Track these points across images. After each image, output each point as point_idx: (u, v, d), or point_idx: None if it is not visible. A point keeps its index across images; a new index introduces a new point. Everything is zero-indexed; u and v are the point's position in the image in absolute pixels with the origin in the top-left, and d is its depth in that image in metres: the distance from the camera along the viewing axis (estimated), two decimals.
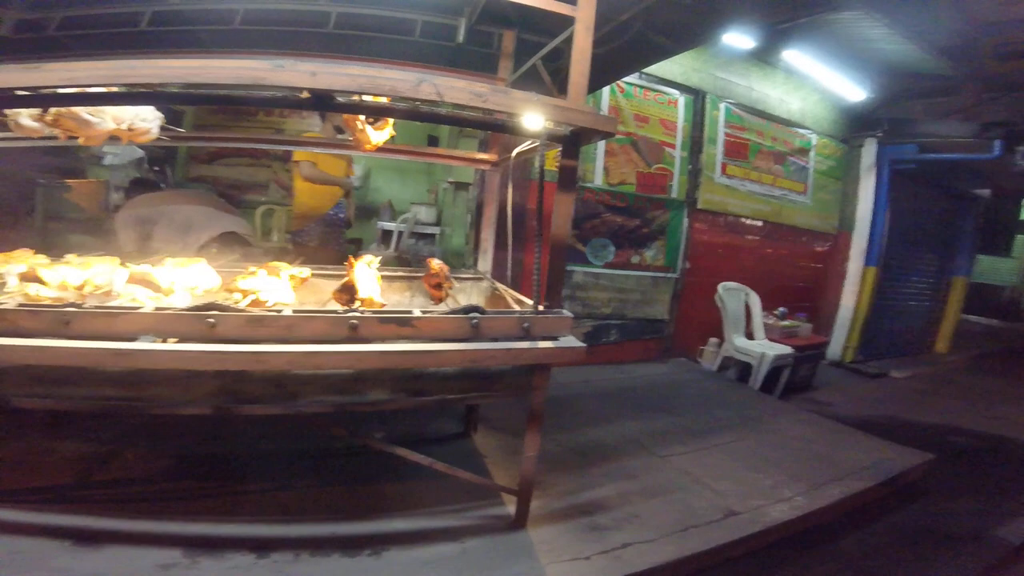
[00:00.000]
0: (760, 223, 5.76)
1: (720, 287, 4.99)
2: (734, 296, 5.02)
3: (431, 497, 2.39)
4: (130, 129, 1.93)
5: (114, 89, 1.65)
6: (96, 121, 1.78)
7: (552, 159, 4.16)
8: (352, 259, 2.17)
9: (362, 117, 2.15)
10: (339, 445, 2.84)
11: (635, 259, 4.95)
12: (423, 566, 1.96)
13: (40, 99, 1.68)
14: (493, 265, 3.06)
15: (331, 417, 2.04)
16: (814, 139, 6.05)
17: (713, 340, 5.20)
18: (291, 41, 3.33)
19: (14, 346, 1.40)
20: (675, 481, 2.77)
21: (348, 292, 2.08)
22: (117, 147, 3.51)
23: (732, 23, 3.24)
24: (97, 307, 1.52)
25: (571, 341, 1.92)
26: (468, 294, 2.85)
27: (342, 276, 2.60)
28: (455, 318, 1.80)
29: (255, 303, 1.83)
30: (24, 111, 1.75)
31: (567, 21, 2.02)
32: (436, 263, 2.45)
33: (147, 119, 2.03)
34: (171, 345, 1.48)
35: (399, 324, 1.73)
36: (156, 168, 4.24)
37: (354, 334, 1.68)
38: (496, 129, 2.18)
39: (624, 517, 2.38)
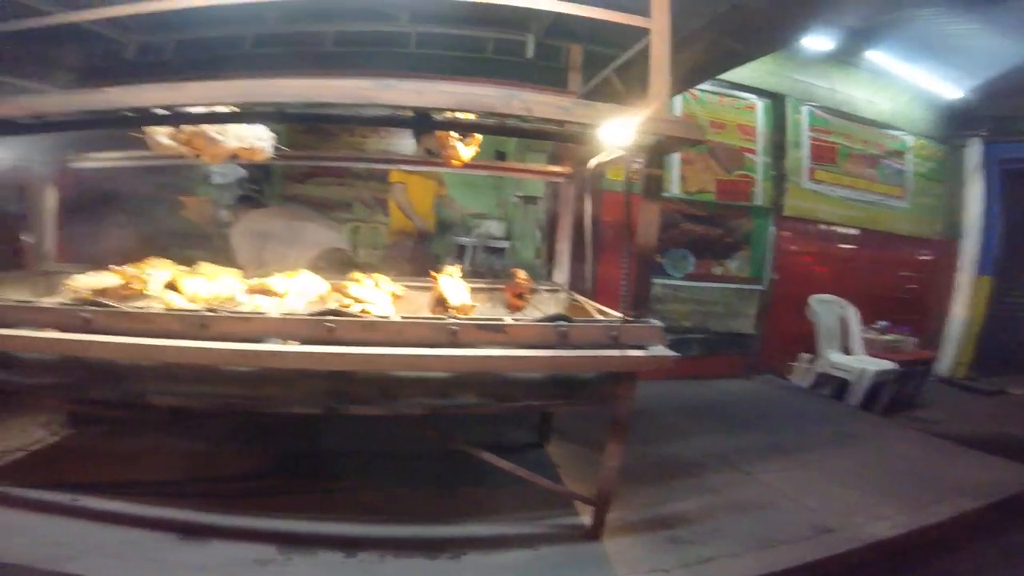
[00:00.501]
0: (854, 230, 5.46)
1: (812, 299, 4.77)
2: (829, 309, 4.79)
3: (507, 504, 2.46)
4: (248, 148, 2.20)
5: (230, 108, 1.88)
6: (222, 139, 2.05)
7: (621, 170, 4.27)
8: (435, 273, 2.32)
9: (454, 133, 2.32)
10: (424, 450, 2.95)
11: (717, 270, 4.85)
12: (499, 571, 2.02)
13: (175, 117, 1.92)
14: (570, 277, 3.12)
15: (425, 420, 2.18)
16: (910, 140, 5.69)
17: (804, 355, 4.95)
18: (372, 61, 3.60)
19: (162, 346, 1.63)
20: (762, 497, 2.69)
21: (441, 304, 2.24)
22: (223, 166, 3.94)
23: (810, 27, 3.18)
24: (230, 312, 1.74)
25: (660, 350, 1.93)
26: (545, 305, 2.93)
27: (427, 287, 2.79)
28: (544, 326, 1.87)
29: (364, 310, 2.02)
30: (162, 129, 2.03)
31: (639, 32, 2.08)
32: (523, 273, 2.56)
33: (262, 138, 2.29)
34: (297, 347, 1.66)
35: (493, 331, 1.83)
36: (255, 187, 4.70)
37: (454, 339, 1.79)
38: (575, 141, 2.27)
39: (706, 531, 2.33)
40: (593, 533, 2.20)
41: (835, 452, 3.32)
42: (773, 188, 5.00)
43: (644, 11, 2.01)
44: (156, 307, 1.85)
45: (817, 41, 4.51)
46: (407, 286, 2.71)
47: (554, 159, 4.19)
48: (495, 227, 5.63)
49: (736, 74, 4.54)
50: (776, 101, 5.01)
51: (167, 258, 2.41)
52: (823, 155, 5.21)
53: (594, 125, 1.87)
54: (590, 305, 2.47)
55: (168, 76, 3.15)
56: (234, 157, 2.23)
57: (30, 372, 1.88)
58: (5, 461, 2.59)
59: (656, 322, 1.97)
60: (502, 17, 3.20)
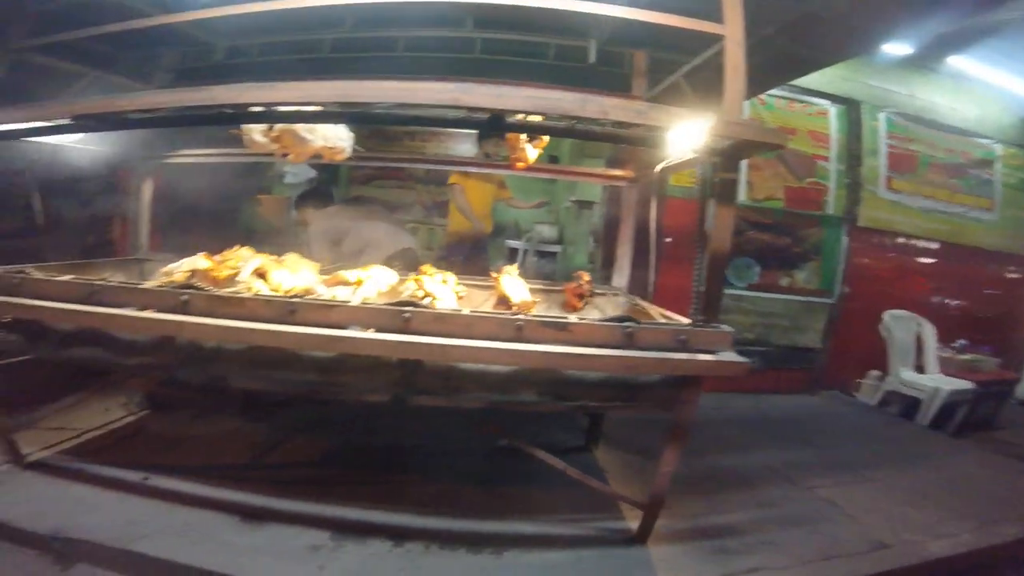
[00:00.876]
0: (935, 244, 5.17)
1: (886, 315, 4.57)
2: (903, 325, 4.58)
3: (551, 504, 2.51)
4: (331, 147, 2.35)
5: (317, 108, 2.02)
6: (310, 138, 2.20)
7: (687, 175, 4.26)
8: (496, 273, 2.39)
9: (524, 136, 2.40)
10: (472, 447, 3.06)
11: (784, 281, 4.72)
12: (539, 570, 2.07)
13: (269, 115, 2.10)
14: (629, 281, 3.14)
15: (483, 414, 2.25)
16: (999, 149, 5.34)
17: (874, 372, 4.75)
18: (437, 66, 3.73)
19: (254, 329, 1.76)
20: (818, 512, 2.65)
21: (504, 303, 2.32)
22: (295, 166, 4.21)
23: (889, 36, 3.08)
24: (316, 299, 1.87)
25: (731, 355, 1.92)
26: (602, 308, 2.95)
27: (485, 286, 2.88)
28: (610, 326, 1.90)
29: (432, 304, 2.12)
30: (256, 128, 2.20)
31: (706, 38, 2.09)
32: (587, 276, 2.60)
33: (343, 139, 2.45)
34: (377, 334, 1.76)
35: (557, 328, 1.87)
36: (323, 187, 4.99)
37: (519, 335, 1.84)
38: (643, 144, 2.30)
39: (756, 543, 2.31)
40: (639, 538, 2.22)
41: (899, 470, 3.21)
42: (847, 197, 4.81)
43: (709, 15, 2.02)
44: (246, 293, 2.00)
45: (894, 46, 4.34)
46: (466, 285, 2.82)
47: (614, 163, 4.22)
48: (547, 231, 5.72)
49: (807, 79, 4.40)
50: (850, 107, 4.84)
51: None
52: (902, 163, 4.98)
53: (666, 129, 1.90)
54: (653, 309, 2.48)
55: (252, 78, 3.40)
56: (317, 156, 2.38)
57: (125, 352, 2.06)
58: (86, 439, 2.84)
59: (727, 328, 1.96)
60: (564, 24, 3.29)
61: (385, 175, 6.60)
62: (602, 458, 3.06)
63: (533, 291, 2.98)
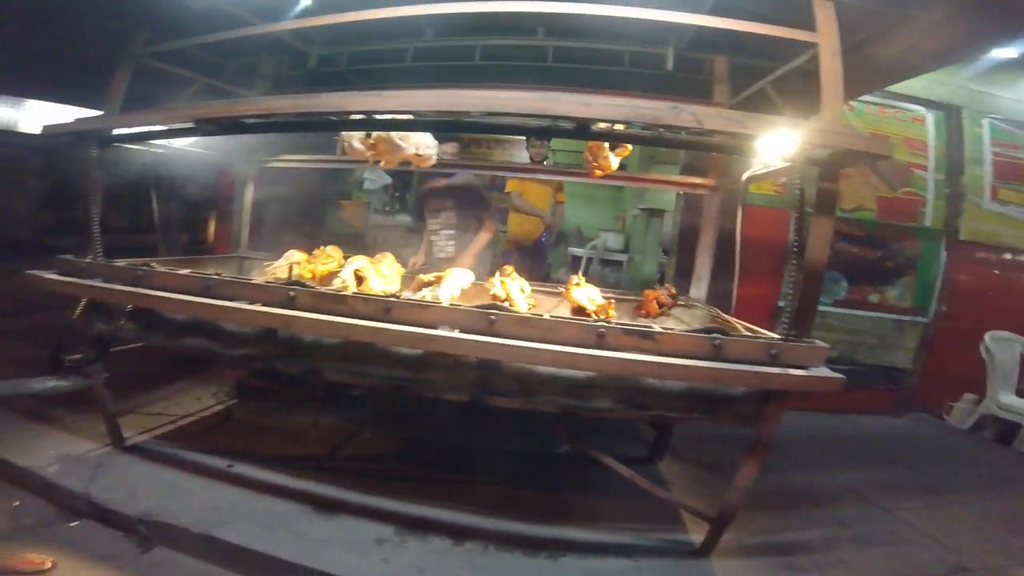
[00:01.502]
0: None
1: (987, 336, 4.31)
2: (1005, 347, 4.31)
3: (610, 513, 2.55)
4: (420, 155, 2.50)
5: (405, 116, 2.15)
6: (404, 146, 2.35)
7: (768, 183, 4.18)
8: (567, 286, 2.44)
9: (606, 144, 2.46)
10: (535, 451, 3.14)
11: (873, 298, 4.51)
12: None
13: (367, 123, 2.24)
14: (708, 293, 3.12)
15: (555, 419, 2.30)
16: None
17: (969, 396, 4.50)
18: (515, 74, 3.85)
19: (355, 325, 1.89)
20: (896, 532, 2.59)
21: (580, 312, 2.38)
22: (374, 172, 4.48)
23: (996, 42, 2.91)
24: (410, 299, 2.00)
25: (824, 371, 1.88)
26: (681, 319, 2.94)
27: (543, 291, 2.93)
28: (697, 337, 1.89)
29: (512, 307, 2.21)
30: (356, 135, 2.38)
31: (794, 43, 2.08)
32: (671, 287, 2.63)
33: (430, 147, 2.59)
34: (464, 335, 1.86)
35: (641, 337, 1.89)
36: (396, 193, 5.26)
37: (600, 341, 1.87)
38: (731, 153, 2.31)
39: (828, 562, 2.29)
40: (703, 551, 2.22)
41: (988, 495, 3.08)
42: (946, 208, 4.55)
43: (798, 21, 2.03)
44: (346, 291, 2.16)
45: (998, 49, 4.07)
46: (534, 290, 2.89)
47: (689, 170, 4.20)
48: (612, 240, 5.71)
49: (901, 84, 4.26)
50: (950, 113, 4.59)
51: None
52: (1010, 173, 4.65)
53: (758, 137, 1.90)
54: (736, 322, 2.46)
55: (340, 86, 3.65)
56: (406, 163, 2.54)
57: (231, 343, 2.27)
58: (179, 425, 3.11)
59: (821, 343, 1.93)
60: (640, 31, 3.33)
61: None
62: (666, 470, 3.07)
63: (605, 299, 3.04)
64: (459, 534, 2.30)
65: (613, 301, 2.38)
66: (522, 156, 6.96)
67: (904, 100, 4.54)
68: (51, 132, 2.54)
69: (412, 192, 6.31)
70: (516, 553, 2.23)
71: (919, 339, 4.61)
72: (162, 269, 2.18)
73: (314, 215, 3.76)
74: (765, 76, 2.70)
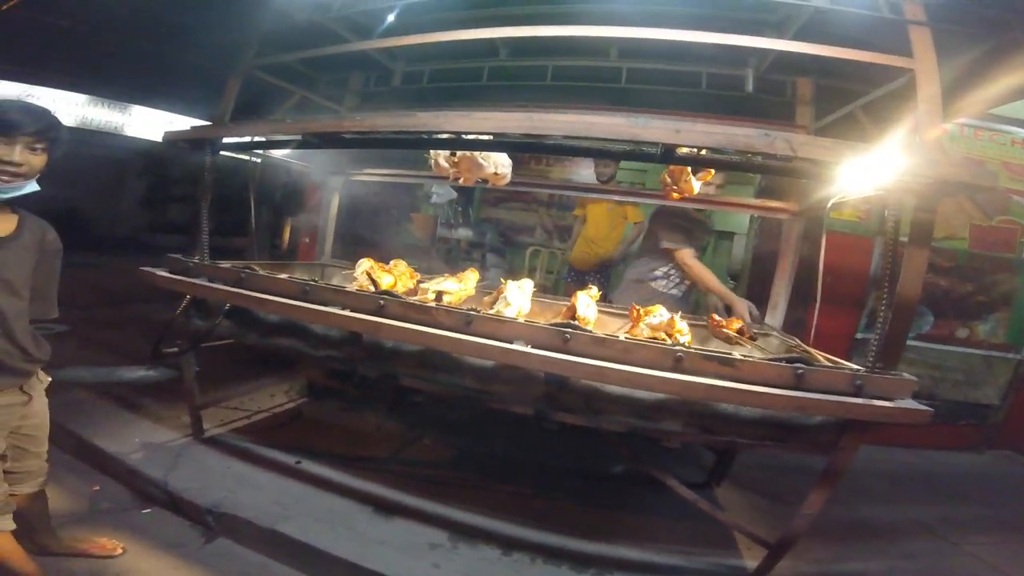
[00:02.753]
0: None
1: None
2: None
3: (661, 534, 2.57)
4: (497, 174, 2.62)
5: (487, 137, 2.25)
6: (485, 165, 2.48)
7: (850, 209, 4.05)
8: (636, 312, 2.46)
9: (689, 168, 2.49)
10: (590, 469, 3.18)
11: (962, 332, 4.29)
12: None
13: (454, 142, 2.37)
14: (785, 321, 3.06)
15: (620, 438, 2.31)
16: None
17: None
18: (586, 95, 3.92)
19: (438, 335, 2.01)
20: (964, 567, 2.55)
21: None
22: (441, 187, 4.67)
23: None
24: (489, 314, 2.10)
25: (911, 403, 1.86)
26: (755, 346, 2.89)
27: (606, 311, 2.95)
28: (779, 366, 1.90)
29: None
30: (443, 153, 2.52)
31: (888, 68, 2.06)
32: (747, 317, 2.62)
33: (506, 166, 2.71)
34: (541, 351, 1.92)
35: (720, 363, 1.90)
36: (460, 207, 5.46)
37: (677, 365, 1.90)
38: (816, 179, 2.28)
39: None
40: None
41: None
42: None
43: (893, 47, 2.01)
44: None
45: None
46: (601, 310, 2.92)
47: (766, 192, 4.14)
48: None
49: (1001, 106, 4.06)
50: None
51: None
52: None
53: (850, 165, 1.89)
54: (818, 353, 2.42)
55: (422, 103, 3.84)
56: (483, 181, 2.66)
57: (318, 344, 2.44)
58: (254, 420, 3.32)
59: (908, 376, 1.90)
60: (718, 52, 3.32)
61: (511, 198, 7.03)
62: (723, 497, 3.06)
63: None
64: (508, 544, 2.37)
65: (676, 318, 2.39)
66: (582, 174, 7.03)
67: (1003, 122, 4.31)
68: (170, 138, 2.77)
69: (475, 207, 6.52)
70: (563, 567, 2.28)
71: (1010, 376, 4.35)
72: (263, 273, 2.38)
73: (386, 226, 3.95)
74: (852, 98, 2.68)
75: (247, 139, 2.64)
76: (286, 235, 5.13)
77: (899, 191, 1.94)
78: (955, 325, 4.29)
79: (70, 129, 1.72)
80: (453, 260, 4.87)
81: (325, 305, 2.21)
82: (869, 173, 1.91)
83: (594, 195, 4.15)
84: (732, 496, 3.08)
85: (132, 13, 3.50)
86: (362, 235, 3.64)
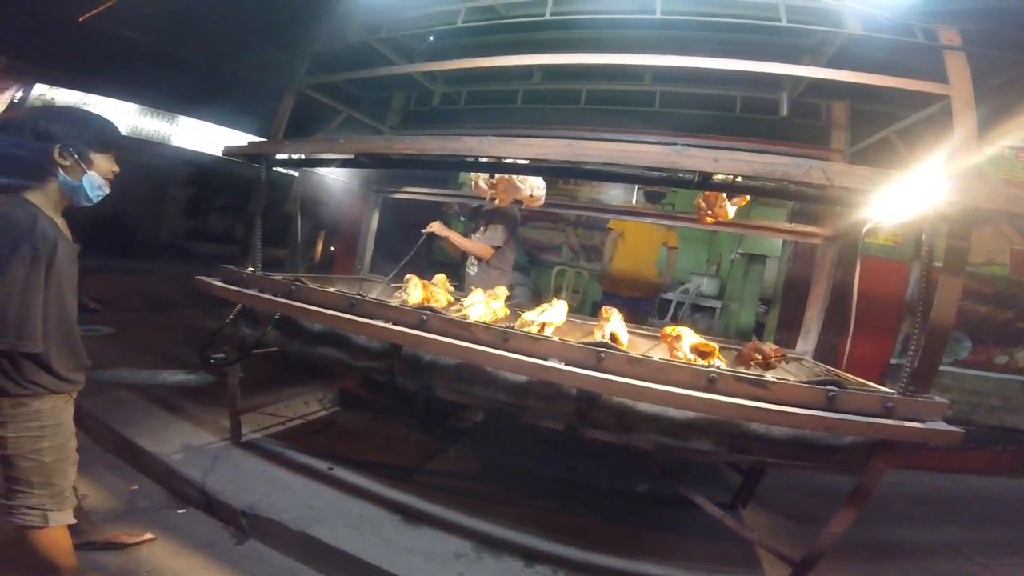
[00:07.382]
0: None
1: None
2: None
3: (683, 552, 2.60)
4: (532, 196, 2.74)
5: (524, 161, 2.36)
6: (522, 188, 2.60)
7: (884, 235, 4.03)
8: (670, 335, 2.52)
9: (724, 194, 2.57)
10: (615, 487, 3.23)
11: (1000, 359, 4.23)
12: None
13: (495, 165, 2.50)
14: (818, 346, 3.06)
15: (648, 455, 2.38)
16: None
17: None
18: (620, 117, 4.01)
19: (477, 349, 2.11)
20: None
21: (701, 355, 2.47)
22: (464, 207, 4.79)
23: None
24: (525, 332, 2.20)
25: (942, 425, 1.89)
26: (787, 371, 2.90)
27: (638, 333, 3.01)
28: (811, 388, 1.94)
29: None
30: (483, 175, 2.64)
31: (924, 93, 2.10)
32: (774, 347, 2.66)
33: (541, 188, 2.83)
34: (577, 369, 2.00)
35: (753, 385, 1.96)
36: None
37: (711, 386, 1.95)
38: (851, 205, 2.34)
39: None
40: None
41: None
42: None
43: (927, 71, 2.05)
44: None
45: None
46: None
47: (799, 216, 4.15)
48: (706, 285, 5.58)
49: None
50: None
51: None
52: None
53: (885, 192, 1.95)
54: (851, 378, 2.45)
55: (459, 122, 3.98)
56: (518, 202, 2.78)
57: (359, 355, 2.56)
58: (287, 427, 3.44)
59: (940, 399, 1.93)
60: (753, 77, 3.37)
61: (539, 216, 7.09)
62: (748, 517, 3.08)
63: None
64: (531, 556, 2.43)
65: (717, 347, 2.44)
66: (610, 194, 7.07)
67: None
68: (228, 153, 2.94)
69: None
70: None
71: None
72: (312, 285, 2.52)
73: (416, 243, 4.08)
74: (888, 121, 2.71)
75: (303, 156, 2.78)
76: (319, 247, 5.32)
77: (934, 218, 1.98)
78: (994, 351, 4.22)
79: (124, 137, 1.87)
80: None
81: (370, 318, 2.33)
82: (904, 200, 1.97)
83: (626, 217, 4.21)
84: (758, 517, 3.10)
85: (194, 27, 3.68)
86: (395, 249, 3.76)
